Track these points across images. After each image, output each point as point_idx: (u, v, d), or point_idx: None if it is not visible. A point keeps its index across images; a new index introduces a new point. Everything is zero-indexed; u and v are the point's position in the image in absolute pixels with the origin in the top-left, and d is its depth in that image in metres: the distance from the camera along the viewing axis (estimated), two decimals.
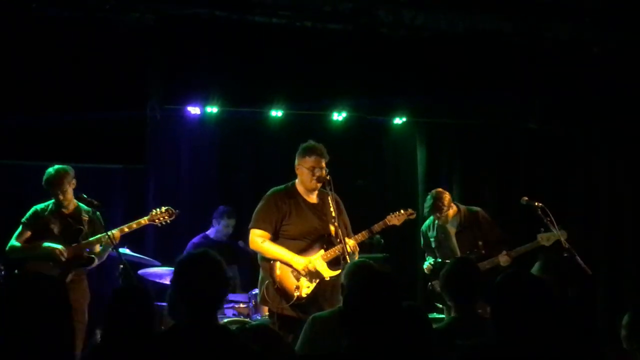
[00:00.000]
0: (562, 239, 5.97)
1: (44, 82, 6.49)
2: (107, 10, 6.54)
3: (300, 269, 5.35)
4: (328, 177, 5.41)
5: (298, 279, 5.38)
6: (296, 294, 5.33)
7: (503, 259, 6.26)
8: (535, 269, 4.42)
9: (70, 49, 6.54)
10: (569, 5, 7.14)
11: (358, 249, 5.54)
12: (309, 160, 5.46)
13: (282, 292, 5.36)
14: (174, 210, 5.96)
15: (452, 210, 6.56)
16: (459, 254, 6.38)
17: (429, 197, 6.60)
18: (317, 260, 5.39)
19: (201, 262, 3.17)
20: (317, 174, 5.43)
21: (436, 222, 6.62)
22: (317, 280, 5.38)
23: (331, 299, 5.27)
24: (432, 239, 6.65)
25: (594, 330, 4.08)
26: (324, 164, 5.46)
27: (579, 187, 8.46)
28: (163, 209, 5.94)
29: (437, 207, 6.48)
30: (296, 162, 5.56)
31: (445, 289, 4.25)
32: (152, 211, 5.94)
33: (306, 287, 5.37)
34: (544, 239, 6.18)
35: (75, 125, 6.50)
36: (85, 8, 6.53)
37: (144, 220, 5.90)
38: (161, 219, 5.93)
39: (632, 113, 8.09)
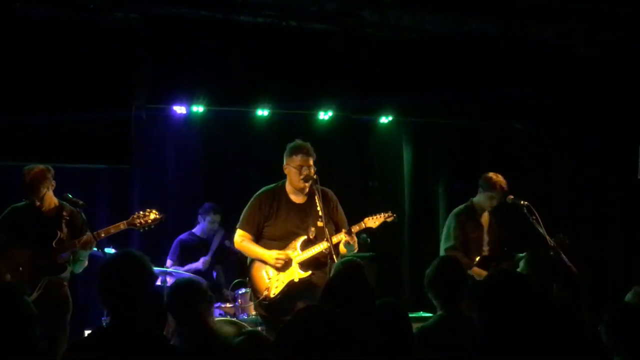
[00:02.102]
0: (548, 238, 5.98)
1: (29, 82, 6.45)
2: (91, 10, 6.50)
3: (271, 263, 5.44)
4: (315, 177, 5.45)
5: (269, 279, 5.47)
6: (265, 293, 5.44)
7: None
8: (521, 265, 4.45)
9: (54, 48, 6.50)
10: (554, 7, 7.17)
11: (355, 238, 5.51)
12: (296, 159, 5.50)
13: (255, 291, 5.53)
14: (158, 214, 5.49)
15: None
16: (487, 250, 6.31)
17: (489, 176, 6.29)
18: (290, 252, 5.47)
19: (123, 262, 3.13)
20: (305, 172, 5.46)
21: (477, 212, 6.35)
22: (287, 282, 5.44)
23: (304, 301, 5.27)
24: (469, 229, 6.32)
25: (582, 329, 4.09)
26: (311, 162, 5.49)
27: (564, 186, 8.51)
28: (147, 211, 5.49)
29: (503, 186, 6.23)
30: (284, 162, 5.60)
31: (431, 287, 4.27)
32: (133, 215, 5.49)
33: (275, 288, 5.45)
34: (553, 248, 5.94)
35: (60, 125, 6.47)
36: (70, 8, 6.50)
37: (123, 225, 5.43)
38: (142, 222, 5.44)
39: (618, 113, 8.14)
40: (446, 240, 6.34)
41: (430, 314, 6.05)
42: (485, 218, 6.40)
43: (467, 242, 6.28)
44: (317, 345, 2.29)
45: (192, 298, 3.75)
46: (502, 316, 2.92)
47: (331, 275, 4.30)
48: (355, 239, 5.52)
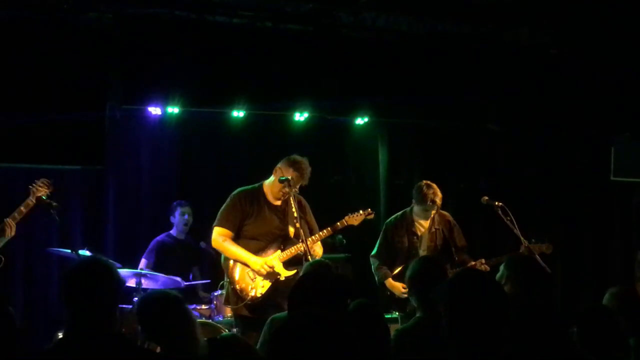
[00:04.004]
0: (522, 239, 6.03)
1: (1, 82, 6.39)
2: (65, 10, 6.45)
3: (256, 269, 5.43)
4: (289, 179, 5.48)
5: (254, 279, 5.50)
6: (251, 293, 5.47)
7: (481, 267, 6.13)
8: (500, 269, 4.44)
9: (28, 48, 6.45)
10: (528, 9, 7.23)
11: (318, 251, 5.62)
12: (290, 172, 5.52)
13: (239, 292, 5.51)
14: (49, 180, 5.43)
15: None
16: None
17: (420, 187, 6.20)
18: (274, 260, 5.48)
19: (90, 268, 3.09)
20: (287, 190, 5.46)
21: (413, 219, 6.31)
22: (273, 280, 5.45)
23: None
24: (398, 238, 6.33)
25: (557, 329, 4.11)
26: (298, 184, 5.50)
27: (539, 187, 8.58)
28: (40, 181, 5.39)
29: (435, 194, 6.15)
30: (279, 164, 5.60)
31: (412, 288, 4.27)
32: (31, 188, 5.38)
33: (261, 287, 5.49)
34: (526, 249, 5.98)
35: (33, 125, 6.41)
36: (43, 8, 6.44)
37: (30, 201, 5.33)
38: (41, 188, 5.36)
39: (592, 114, 8.22)
40: (375, 247, 6.42)
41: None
42: (422, 225, 6.33)
43: (393, 250, 6.32)
44: (314, 351, 2.28)
45: (163, 316, 3.51)
46: (468, 317, 2.90)
47: (300, 276, 4.30)
48: (317, 249, 5.57)
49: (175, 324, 3.36)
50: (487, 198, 6.23)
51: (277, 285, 5.49)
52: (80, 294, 2.99)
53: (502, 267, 4.48)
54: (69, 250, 5.71)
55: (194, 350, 3.31)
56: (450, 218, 6.47)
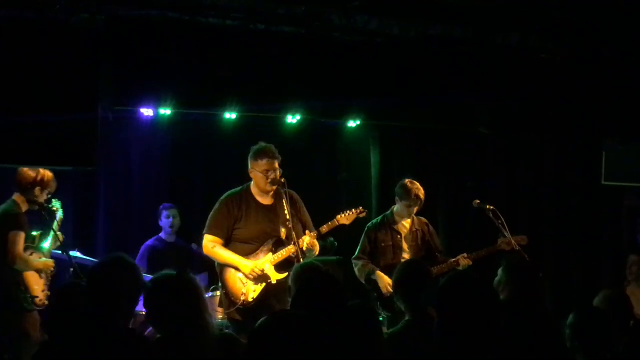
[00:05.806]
0: (513, 242, 6.06)
1: None
2: (57, 11, 6.43)
3: (247, 273, 5.39)
4: (283, 180, 5.46)
5: (245, 284, 5.46)
6: (242, 298, 5.43)
7: (463, 262, 6.20)
8: (499, 273, 4.45)
9: (20, 49, 6.42)
10: (518, 13, 7.26)
11: (317, 244, 5.56)
12: (262, 164, 5.50)
13: (231, 297, 5.47)
14: None
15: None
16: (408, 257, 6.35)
17: (404, 184, 6.28)
18: (265, 263, 5.43)
19: (117, 262, 3.21)
20: (272, 176, 5.46)
21: (395, 220, 6.38)
22: (264, 284, 5.42)
23: (281, 302, 5.30)
24: (382, 238, 6.38)
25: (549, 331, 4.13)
26: (277, 165, 5.50)
27: (528, 191, 8.60)
28: None
29: (418, 189, 6.24)
30: (249, 166, 5.58)
31: (398, 291, 4.27)
32: None
33: (252, 292, 5.45)
34: (504, 243, 6.13)
35: (25, 126, 6.38)
36: (35, 8, 6.43)
37: None
38: None
39: (581, 119, 8.25)
40: (356, 251, 6.46)
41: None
42: (404, 226, 6.39)
43: (377, 252, 6.35)
44: (289, 350, 2.29)
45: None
46: (461, 320, 2.91)
47: (292, 281, 4.25)
48: (316, 243, 5.53)
49: (176, 306, 3.29)
50: (478, 201, 6.26)
51: (269, 289, 5.46)
52: (107, 286, 3.11)
53: (500, 272, 4.47)
54: (60, 252, 5.69)
55: (203, 332, 3.28)
56: (427, 222, 6.53)
